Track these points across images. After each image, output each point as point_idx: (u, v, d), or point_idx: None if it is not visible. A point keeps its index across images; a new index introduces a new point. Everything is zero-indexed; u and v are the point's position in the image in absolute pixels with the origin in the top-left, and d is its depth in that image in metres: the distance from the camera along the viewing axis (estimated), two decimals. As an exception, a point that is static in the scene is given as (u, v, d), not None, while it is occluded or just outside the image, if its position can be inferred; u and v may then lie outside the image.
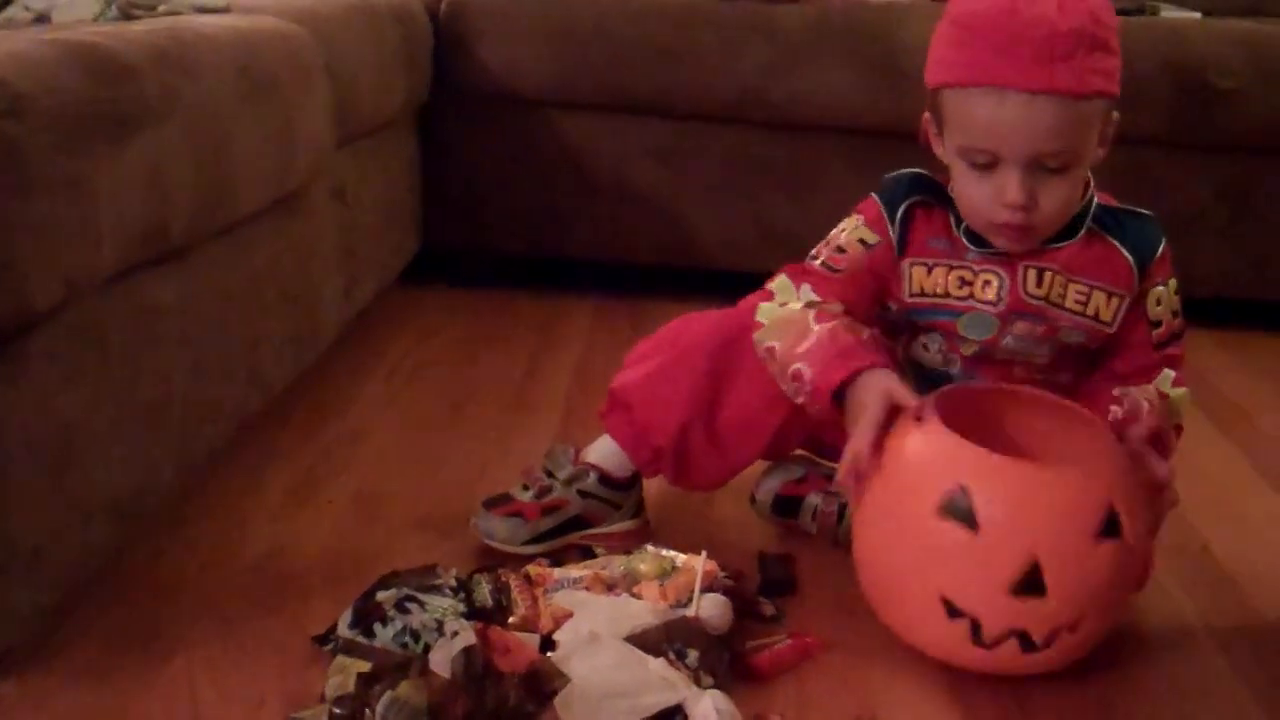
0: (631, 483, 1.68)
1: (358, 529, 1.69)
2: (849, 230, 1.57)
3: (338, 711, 1.22)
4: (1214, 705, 1.41)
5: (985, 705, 1.38)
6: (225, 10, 1.88)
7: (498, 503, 1.65)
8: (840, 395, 1.45)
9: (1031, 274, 1.51)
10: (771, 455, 1.71)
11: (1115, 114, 1.47)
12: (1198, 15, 2.96)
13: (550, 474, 1.67)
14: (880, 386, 1.42)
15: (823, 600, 1.55)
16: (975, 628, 1.36)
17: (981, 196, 1.45)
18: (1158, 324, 1.54)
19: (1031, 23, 1.36)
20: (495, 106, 2.79)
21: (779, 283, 1.59)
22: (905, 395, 1.41)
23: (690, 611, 1.40)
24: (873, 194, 1.57)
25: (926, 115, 1.50)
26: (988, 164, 1.43)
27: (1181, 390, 1.55)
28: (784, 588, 1.57)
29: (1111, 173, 2.66)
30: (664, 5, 2.73)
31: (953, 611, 1.36)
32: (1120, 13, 2.88)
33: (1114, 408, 1.49)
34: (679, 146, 2.80)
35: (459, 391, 2.24)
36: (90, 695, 1.30)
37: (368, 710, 1.20)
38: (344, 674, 1.29)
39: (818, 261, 1.58)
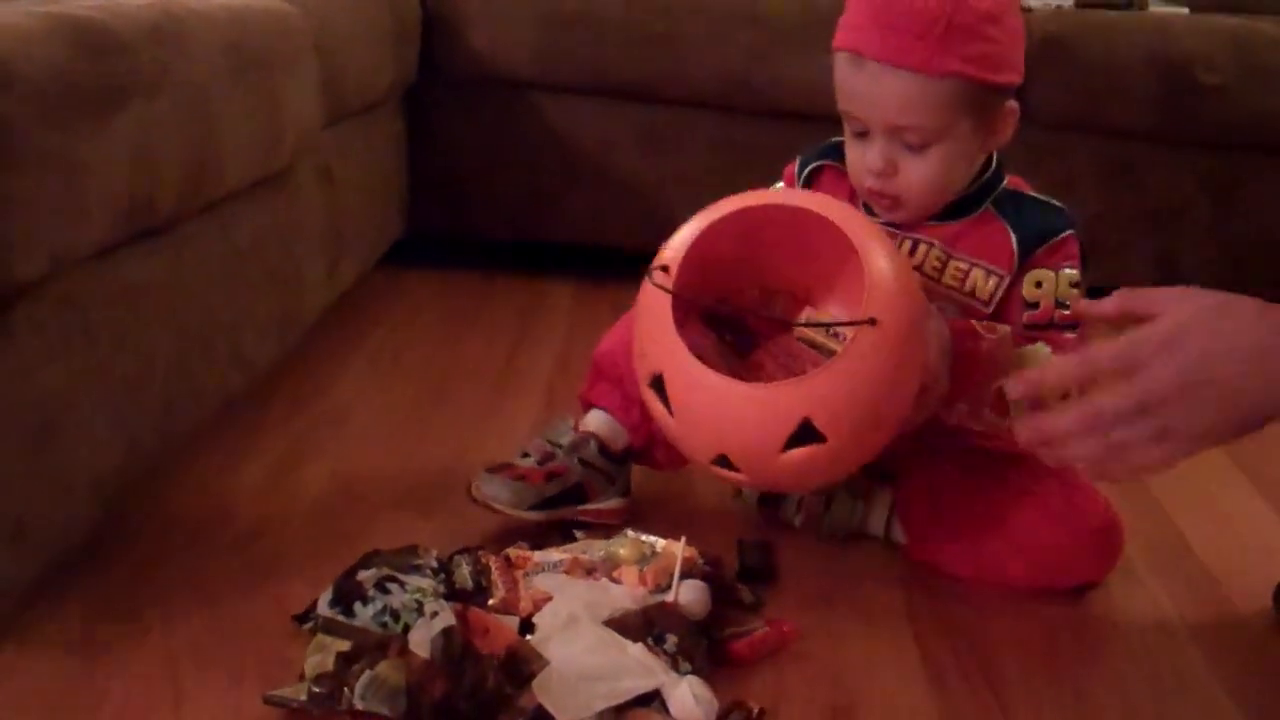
0: (624, 457, 1.69)
1: (339, 508, 1.69)
2: (771, 189, 1.67)
3: (317, 690, 1.22)
4: (1188, 698, 1.42)
5: (962, 695, 1.38)
6: (214, -13, 1.88)
7: (500, 469, 1.64)
8: None
9: (907, 244, 1.58)
10: None
11: (1012, 103, 1.53)
12: (1185, 10, 2.97)
13: (552, 443, 1.67)
14: None
15: (802, 589, 1.56)
16: None
17: (854, 161, 1.56)
18: (1034, 305, 1.55)
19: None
20: (482, 89, 2.79)
21: None
22: None
23: (669, 597, 1.40)
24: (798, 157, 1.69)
25: None
26: (861, 131, 1.53)
27: (1046, 349, 1.55)
28: (763, 575, 1.57)
29: (1097, 166, 2.67)
30: (651, -10, 2.74)
31: None
32: (1108, 6, 2.90)
33: None
34: (664, 132, 2.81)
35: (441, 373, 2.24)
36: (69, 671, 1.30)
37: (346, 689, 1.21)
38: (323, 653, 1.29)
39: None
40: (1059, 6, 2.85)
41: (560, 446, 1.66)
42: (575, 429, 1.69)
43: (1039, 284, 1.55)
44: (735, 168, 2.79)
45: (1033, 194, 1.60)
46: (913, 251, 1.57)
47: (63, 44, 1.30)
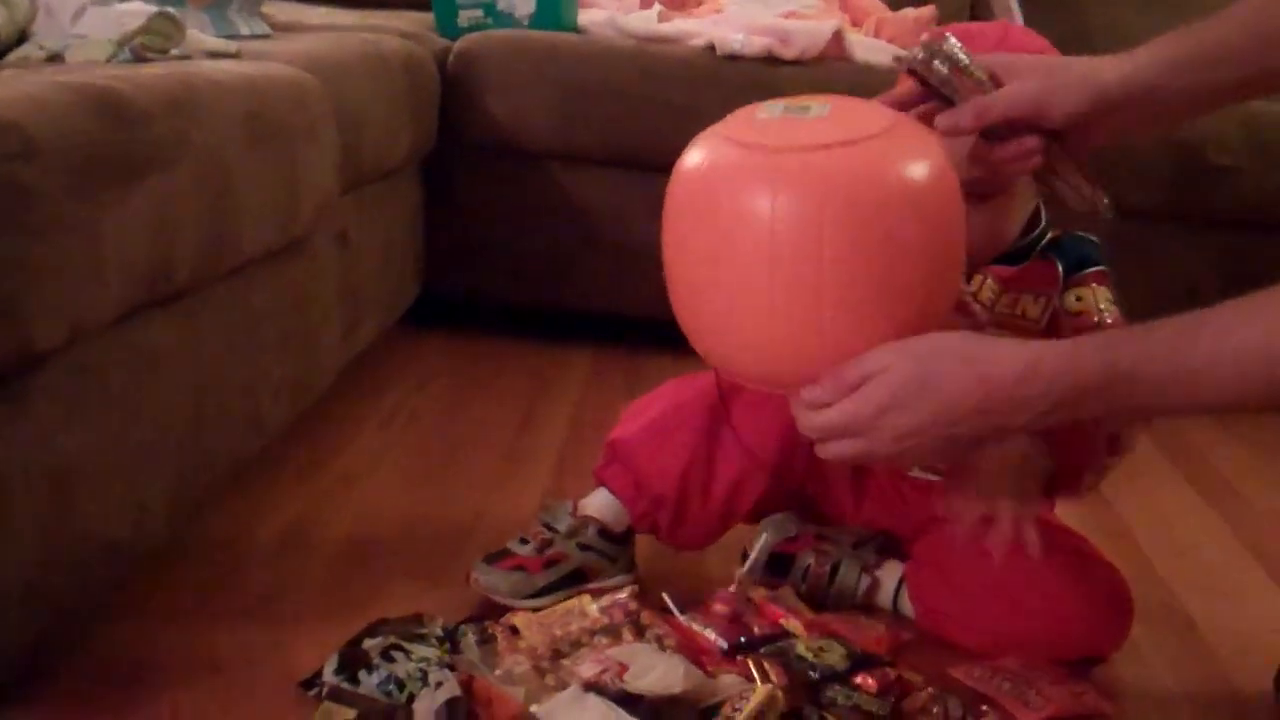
0: (626, 536, 1.70)
1: (348, 575, 1.69)
2: None
3: (321, 758, 1.22)
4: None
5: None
6: (235, 56, 1.90)
7: (498, 558, 1.64)
8: None
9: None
10: (757, 513, 1.72)
11: None
12: (1198, 90, 2.98)
13: (550, 527, 1.67)
14: None
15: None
16: None
17: None
18: (1077, 314, 1.61)
19: None
20: (499, 157, 2.81)
21: None
22: None
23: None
24: None
25: None
26: None
27: None
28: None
29: (1109, 245, 2.67)
30: (669, 63, 2.76)
31: None
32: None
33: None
34: (680, 202, 2.82)
35: (454, 439, 2.25)
36: (76, 734, 1.31)
37: (351, 758, 1.21)
38: (328, 721, 1.30)
39: None
40: (1073, 84, 2.87)
41: (557, 532, 1.66)
42: (573, 511, 1.69)
43: (1079, 298, 1.61)
44: (750, 238, 2.80)
45: (1070, 231, 1.67)
46: (968, 280, 1.61)
47: (85, 114, 1.31)
